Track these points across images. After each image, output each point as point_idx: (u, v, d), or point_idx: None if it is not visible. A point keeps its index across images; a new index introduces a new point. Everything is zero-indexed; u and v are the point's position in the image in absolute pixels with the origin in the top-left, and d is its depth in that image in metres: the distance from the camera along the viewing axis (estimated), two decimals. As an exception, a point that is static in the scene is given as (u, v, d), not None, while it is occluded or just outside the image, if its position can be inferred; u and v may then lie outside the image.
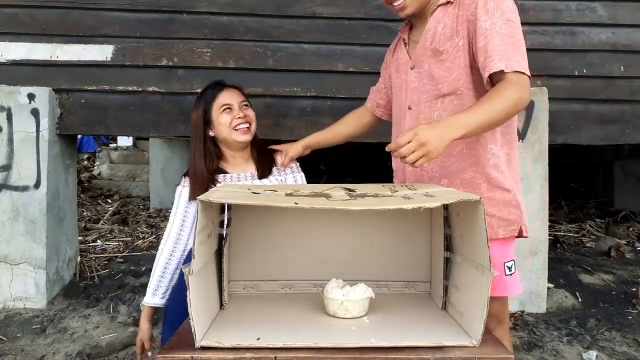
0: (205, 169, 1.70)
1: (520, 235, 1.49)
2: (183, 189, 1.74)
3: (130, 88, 2.81)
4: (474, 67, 1.39)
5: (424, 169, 1.47)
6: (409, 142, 1.18)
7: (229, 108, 1.73)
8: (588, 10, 2.91)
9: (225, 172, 1.75)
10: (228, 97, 1.75)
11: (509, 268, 1.46)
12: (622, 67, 2.91)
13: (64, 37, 2.79)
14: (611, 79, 2.93)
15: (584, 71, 2.91)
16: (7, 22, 2.78)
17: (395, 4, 1.46)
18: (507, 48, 1.31)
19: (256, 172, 1.76)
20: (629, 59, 2.92)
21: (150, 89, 2.81)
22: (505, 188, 1.45)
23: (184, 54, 2.80)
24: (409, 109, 1.52)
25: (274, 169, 1.79)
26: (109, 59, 2.80)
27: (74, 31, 2.79)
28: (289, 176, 1.81)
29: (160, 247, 1.72)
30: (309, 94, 2.83)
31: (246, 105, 1.78)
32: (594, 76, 2.92)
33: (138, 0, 2.78)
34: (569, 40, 2.90)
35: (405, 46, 1.57)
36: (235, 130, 1.71)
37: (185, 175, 1.77)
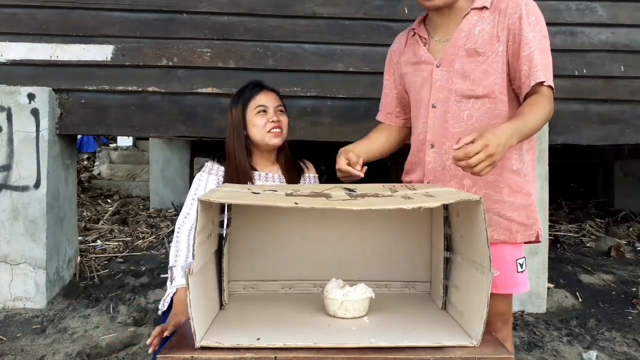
0: (243, 165, 1.72)
1: (536, 240, 1.53)
2: (209, 177, 1.74)
3: (130, 88, 2.81)
4: (508, 74, 1.43)
5: (446, 168, 1.47)
6: (478, 152, 1.16)
7: (264, 110, 1.75)
8: (588, 10, 2.91)
9: (255, 169, 1.77)
10: (265, 99, 1.76)
11: (521, 265, 1.49)
12: (622, 67, 2.91)
13: (64, 37, 2.79)
14: (611, 79, 2.92)
15: (584, 71, 2.90)
16: (7, 22, 2.78)
17: None
18: (545, 62, 1.39)
19: (283, 176, 1.78)
20: (628, 59, 2.92)
21: (150, 89, 2.81)
22: (526, 192, 1.47)
23: (184, 54, 2.80)
24: (433, 107, 1.49)
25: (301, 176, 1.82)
26: (109, 59, 2.80)
27: (74, 31, 2.78)
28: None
29: (177, 225, 1.66)
30: (309, 94, 2.83)
31: (281, 110, 1.79)
32: (594, 76, 2.91)
33: (138, 0, 2.78)
34: (569, 40, 2.90)
35: (425, 45, 1.54)
36: (268, 132, 1.73)
37: (208, 163, 1.77)
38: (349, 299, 1.12)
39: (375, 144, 1.70)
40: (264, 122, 1.73)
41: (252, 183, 1.70)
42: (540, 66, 1.37)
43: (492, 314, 1.24)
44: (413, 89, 1.58)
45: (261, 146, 1.76)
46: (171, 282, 1.62)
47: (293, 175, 1.80)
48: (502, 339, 1.22)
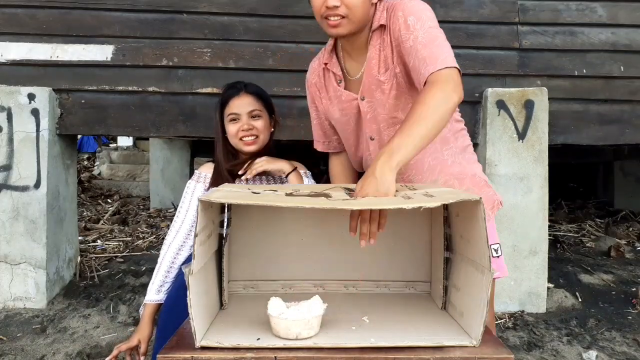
0: (228, 168, 1.72)
1: (499, 206, 1.54)
2: (197, 184, 1.74)
3: (130, 88, 2.81)
4: (418, 89, 1.35)
5: (410, 181, 1.49)
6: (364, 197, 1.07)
7: (236, 118, 1.71)
8: (588, 10, 2.91)
9: (238, 175, 1.75)
10: (237, 105, 1.72)
11: (495, 250, 1.50)
12: (622, 67, 2.92)
13: (64, 37, 2.79)
14: (611, 79, 2.93)
15: (584, 71, 2.91)
16: (7, 22, 2.78)
17: (332, 18, 1.32)
18: (431, 52, 1.27)
19: (265, 178, 1.77)
20: (628, 59, 2.92)
21: (150, 89, 2.81)
22: (471, 174, 1.50)
23: (184, 54, 2.80)
24: (371, 139, 1.49)
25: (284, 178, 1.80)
26: (109, 59, 2.80)
27: (74, 31, 2.79)
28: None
29: (166, 242, 1.69)
30: (309, 94, 2.82)
31: (256, 115, 1.72)
32: (594, 76, 2.92)
33: (138, 0, 2.78)
34: (569, 40, 2.90)
35: (340, 82, 1.49)
36: (240, 140, 1.70)
37: (199, 169, 1.78)
38: (286, 317, 1.00)
39: (347, 178, 1.69)
40: (236, 130, 1.70)
41: None
42: (425, 62, 1.26)
43: None
44: (345, 126, 1.54)
45: (239, 152, 1.75)
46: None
47: (277, 178, 1.78)
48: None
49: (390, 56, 1.38)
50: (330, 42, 1.52)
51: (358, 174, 1.68)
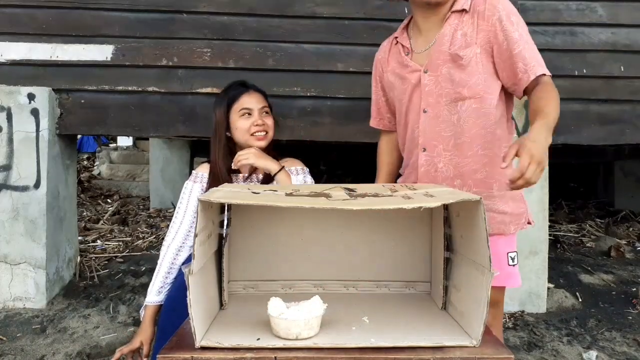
0: (225, 169, 1.71)
1: (527, 224, 1.58)
2: (194, 185, 1.74)
3: (130, 88, 2.81)
4: (492, 74, 1.48)
5: (439, 170, 1.52)
6: (529, 165, 1.16)
7: (249, 113, 1.72)
8: (588, 10, 2.91)
9: (237, 172, 1.76)
10: (249, 101, 1.73)
11: (512, 259, 1.52)
12: (622, 67, 2.91)
13: (64, 37, 2.78)
14: (611, 79, 2.92)
15: (584, 71, 2.90)
16: (7, 22, 2.78)
17: None
18: (537, 56, 1.45)
19: (262, 176, 1.76)
20: (629, 59, 2.92)
21: (150, 89, 2.81)
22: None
23: (184, 54, 2.80)
24: (424, 112, 1.53)
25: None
26: (109, 59, 2.80)
27: (74, 31, 2.78)
28: (298, 179, 1.79)
29: (165, 243, 1.69)
30: (309, 94, 2.82)
31: (267, 112, 1.76)
32: (594, 76, 2.91)
33: (138, 0, 2.78)
34: (569, 40, 2.90)
35: (407, 54, 1.58)
36: (252, 135, 1.71)
37: (196, 169, 1.78)
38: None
39: (392, 165, 1.78)
40: (248, 125, 1.71)
41: None
42: (534, 61, 1.43)
43: None
44: (402, 96, 1.60)
45: (244, 148, 1.74)
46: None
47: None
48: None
49: (474, 36, 1.47)
50: (405, 21, 1.66)
51: (400, 159, 1.74)
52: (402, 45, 1.60)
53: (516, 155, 1.18)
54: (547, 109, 1.35)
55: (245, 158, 1.68)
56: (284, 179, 1.70)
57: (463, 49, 1.47)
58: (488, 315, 0.98)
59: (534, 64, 1.43)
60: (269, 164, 1.70)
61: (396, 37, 1.63)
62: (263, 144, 1.73)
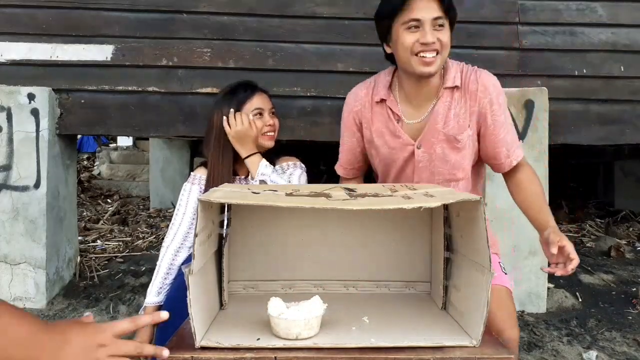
0: (226, 172, 1.71)
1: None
2: (192, 187, 1.74)
3: (130, 88, 2.81)
4: (476, 151, 1.55)
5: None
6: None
7: (260, 113, 1.73)
8: (588, 10, 2.91)
9: (236, 173, 1.76)
10: (261, 101, 1.75)
11: (503, 267, 1.61)
12: (622, 67, 2.91)
13: (64, 37, 2.78)
14: (611, 79, 2.92)
15: (584, 71, 2.90)
16: (7, 22, 2.78)
17: (428, 55, 1.38)
18: (515, 136, 1.55)
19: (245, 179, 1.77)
20: (629, 59, 2.92)
21: (150, 89, 2.81)
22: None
23: (184, 54, 2.80)
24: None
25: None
26: (109, 59, 2.80)
27: (74, 31, 2.78)
28: (293, 177, 1.78)
29: (164, 244, 1.69)
30: (309, 94, 2.82)
31: (273, 113, 1.79)
32: (594, 76, 2.91)
33: (138, 0, 2.78)
34: (569, 40, 2.90)
35: (398, 122, 1.52)
36: (263, 135, 1.73)
37: (194, 171, 1.78)
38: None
39: None
40: (260, 126, 1.72)
41: None
42: (515, 145, 1.52)
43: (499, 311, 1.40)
44: (390, 162, 1.58)
45: (259, 147, 1.75)
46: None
47: None
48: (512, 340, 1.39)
49: (467, 118, 1.48)
50: (387, 77, 1.56)
51: None
52: (391, 110, 1.53)
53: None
54: (548, 209, 1.48)
55: (228, 131, 1.70)
56: (253, 162, 1.70)
57: (458, 132, 1.48)
58: (488, 315, 0.98)
59: (515, 149, 1.51)
60: (241, 148, 1.70)
61: (384, 100, 1.54)
62: (272, 143, 1.76)
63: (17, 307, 0.68)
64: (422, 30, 1.37)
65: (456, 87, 1.48)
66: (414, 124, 1.51)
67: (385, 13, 1.43)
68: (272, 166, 1.72)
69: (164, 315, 0.83)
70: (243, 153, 1.70)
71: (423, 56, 1.38)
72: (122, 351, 0.67)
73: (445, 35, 1.40)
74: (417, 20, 1.37)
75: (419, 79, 1.46)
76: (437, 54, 1.39)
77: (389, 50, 1.49)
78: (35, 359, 0.64)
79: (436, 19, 1.38)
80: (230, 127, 1.69)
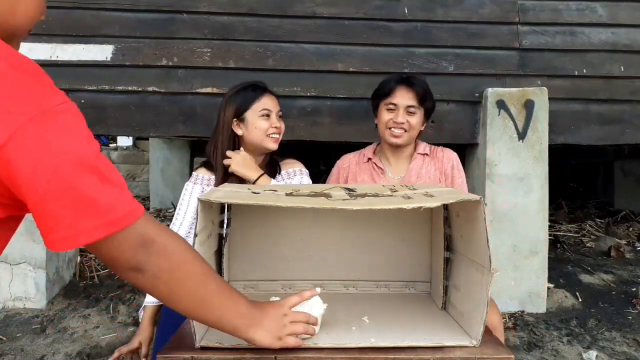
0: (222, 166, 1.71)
1: None
2: (194, 186, 1.74)
3: (130, 88, 2.80)
4: None
5: None
6: None
7: (268, 115, 1.73)
8: (588, 10, 2.91)
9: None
10: (270, 103, 1.74)
11: None
12: (622, 67, 2.91)
13: (64, 37, 2.78)
14: (611, 79, 2.93)
15: (584, 71, 2.90)
16: (7, 22, 2.78)
17: (396, 131, 1.84)
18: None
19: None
20: (629, 59, 2.92)
21: (150, 89, 2.81)
22: None
23: (184, 54, 2.80)
24: None
25: (278, 175, 1.79)
26: (108, 59, 2.79)
27: (73, 31, 2.78)
28: (295, 180, 1.80)
29: None
30: (309, 94, 2.83)
31: (280, 115, 1.78)
32: (594, 76, 2.91)
33: (138, 0, 2.78)
34: (569, 40, 2.90)
35: (382, 175, 1.92)
36: (268, 137, 1.72)
37: (195, 170, 1.78)
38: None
39: None
40: (267, 126, 1.72)
41: None
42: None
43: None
44: None
45: (256, 150, 1.74)
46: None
47: (270, 174, 1.77)
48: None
49: (437, 176, 1.88)
50: (373, 147, 2.02)
51: None
52: (378, 167, 1.93)
53: None
54: None
55: (230, 161, 1.70)
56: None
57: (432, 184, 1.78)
58: (487, 315, 0.98)
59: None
60: (249, 174, 1.69)
61: (370, 159, 1.96)
62: (276, 146, 1.75)
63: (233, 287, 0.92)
64: (397, 112, 1.84)
65: (426, 154, 1.92)
66: (395, 179, 1.91)
67: (377, 95, 1.92)
68: (281, 184, 1.74)
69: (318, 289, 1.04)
70: (252, 177, 1.69)
71: (394, 131, 1.84)
72: (297, 318, 0.95)
73: (414, 119, 1.84)
74: (395, 104, 1.84)
75: (394, 148, 1.90)
76: (404, 132, 1.84)
77: (376, 122, 1.93)
78: (249, 327, 0.89)
79: (409, 106, 1.83)
80: (230, 163, 1.69)
